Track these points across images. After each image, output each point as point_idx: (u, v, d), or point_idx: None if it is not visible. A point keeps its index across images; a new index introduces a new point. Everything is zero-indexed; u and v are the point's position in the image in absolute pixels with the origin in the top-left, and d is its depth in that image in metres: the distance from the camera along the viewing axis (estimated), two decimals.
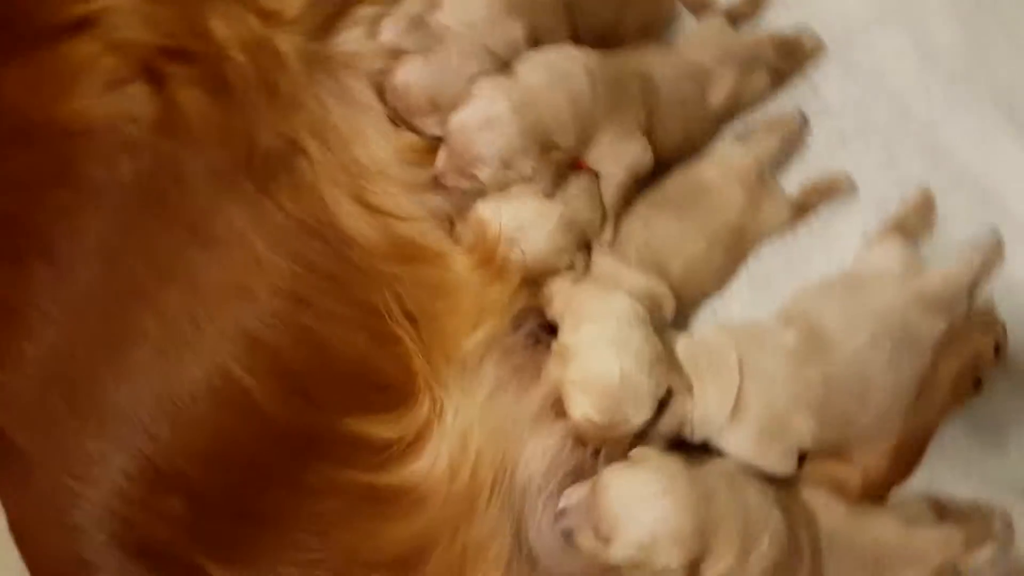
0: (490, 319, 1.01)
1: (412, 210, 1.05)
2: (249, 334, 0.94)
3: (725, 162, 1.14)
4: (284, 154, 1.00)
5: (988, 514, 1.03)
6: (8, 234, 0.96)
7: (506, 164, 1.01)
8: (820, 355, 1.03)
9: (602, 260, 1.08)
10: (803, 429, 1.02)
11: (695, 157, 1.14)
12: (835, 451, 1.05)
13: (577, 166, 1.08)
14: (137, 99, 0.98)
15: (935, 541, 0.99)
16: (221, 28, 1.03)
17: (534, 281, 1.05)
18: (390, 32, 1.06)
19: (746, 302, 1.16)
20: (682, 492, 0.91)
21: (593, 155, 1.06)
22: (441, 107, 1.04)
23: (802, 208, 1.16)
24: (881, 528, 1.02)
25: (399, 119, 1.06)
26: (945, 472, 1.07)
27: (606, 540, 0.91)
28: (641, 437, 0.98)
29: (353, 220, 1.02)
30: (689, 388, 1.01)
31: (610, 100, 1.04)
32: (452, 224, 1.05)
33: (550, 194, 1.05)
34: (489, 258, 1.02)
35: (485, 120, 1.00)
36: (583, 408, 0.97)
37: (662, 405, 0.98)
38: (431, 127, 1.05)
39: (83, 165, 0.96)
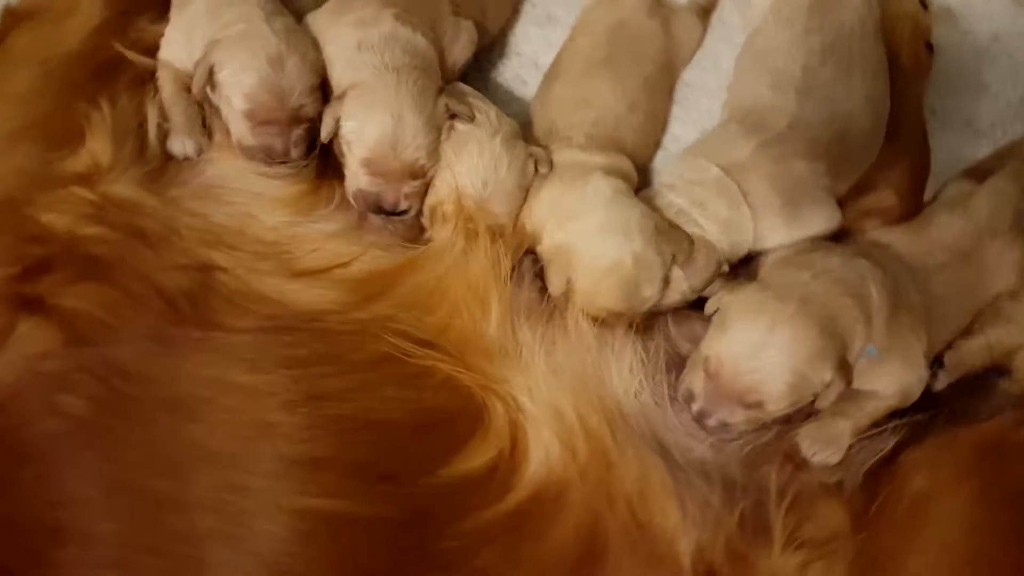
0: (492, 292, 0.94)
1: (350, 249, 0.97)
2: (295, 459, 0.85)
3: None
4: (197, 282, 0.91)
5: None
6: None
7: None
8: (786, 115, 0.99)
9: (560, 156, 1.02)
10: (815, 178, 0.98)
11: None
12: (860, 189, 1.03)
13: None
14: (33, 335, 0.86)
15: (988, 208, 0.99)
16: (56, 219, 0.92)
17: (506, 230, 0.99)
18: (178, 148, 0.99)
19: (684, 121, 1.13)
20: (786, 314, 0.86)
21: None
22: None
23: (706, 9, 1.14)
24: (947, 226, 1.01)
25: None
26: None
27: (758, 405, 0.86)
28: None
29: (304, 294, 0.93)
30: (690, 242, 0.96)
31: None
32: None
33: None
34: (463, 230, 0.95)
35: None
36: (602, 303, 0.93)
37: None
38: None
39: (29, 429, 0.84)
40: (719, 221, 0.97)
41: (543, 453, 0.90)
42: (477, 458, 0.89)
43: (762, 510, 0.90)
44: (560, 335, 0.94)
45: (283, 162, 0.98)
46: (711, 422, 0.90)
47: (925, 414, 0.94)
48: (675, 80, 1.13)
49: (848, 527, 0.89)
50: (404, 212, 1.00)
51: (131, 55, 0.98)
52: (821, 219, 0.98)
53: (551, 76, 1.11)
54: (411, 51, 1.00)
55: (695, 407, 0.90)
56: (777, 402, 0.87)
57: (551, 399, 0.91)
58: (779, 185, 0.96)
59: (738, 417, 0.90)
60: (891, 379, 0.93)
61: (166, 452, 0.84)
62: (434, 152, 0.98)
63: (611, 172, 0.98)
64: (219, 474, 0.84)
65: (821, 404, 0.89)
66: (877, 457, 0.92)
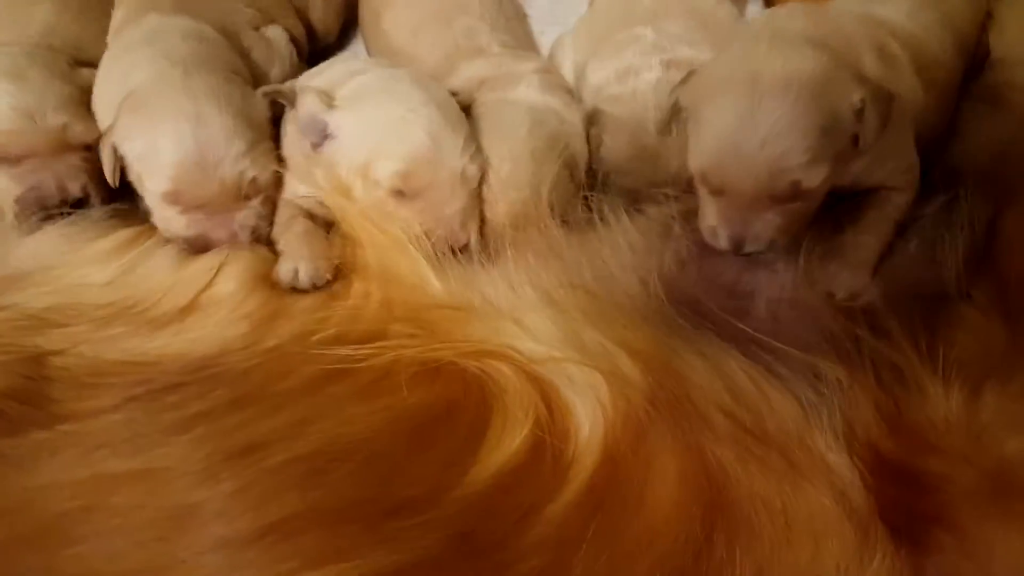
0: (410, 252, 0.72)
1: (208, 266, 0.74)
2: (246, 537, 0.56)
3: None
4: (24, 376, 0.66)
5: None
6: None
7: None
8: None
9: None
10: None
11: None
12: None
13: None
14: None
15: None
16: None
17: None
18: None
19: None
20: (761, 52, 0.66)
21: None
22: None
23: None
24: None
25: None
26: None
27: (794, 189, 0.65)
28: None
29: (176, 343, 0.70)
30: None
31: None
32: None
33: None
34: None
35: None
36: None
37: None
38: None
39: None
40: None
41: (589, 398, 0.63)
42: (507, 442, 0.62)
43: (890, 359, 0.66)
44: (534, 258, 0.69)
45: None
46: (751, 246, 0.68)
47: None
48: None
49: (999, 331, 0.66)
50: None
51: None
52: None
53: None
54: (196, 38, 0.79)
55: (723, 240, 0.68)
56: (813, 167, 0.65)
57: (562, 330, 0.66)
58: None
59: (777, 223, 0.67)
60: (894, 167, 0.74)
61: None
62: (263, 157, 0.75)
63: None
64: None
65: (865, 141, 0.67)
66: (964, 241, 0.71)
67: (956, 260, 0.73)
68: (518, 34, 0.94)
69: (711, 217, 0.69)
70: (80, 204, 0.80)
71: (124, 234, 0.77)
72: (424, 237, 0.71)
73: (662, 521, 0.59)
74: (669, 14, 0.86)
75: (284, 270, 0.74)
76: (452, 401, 0.64)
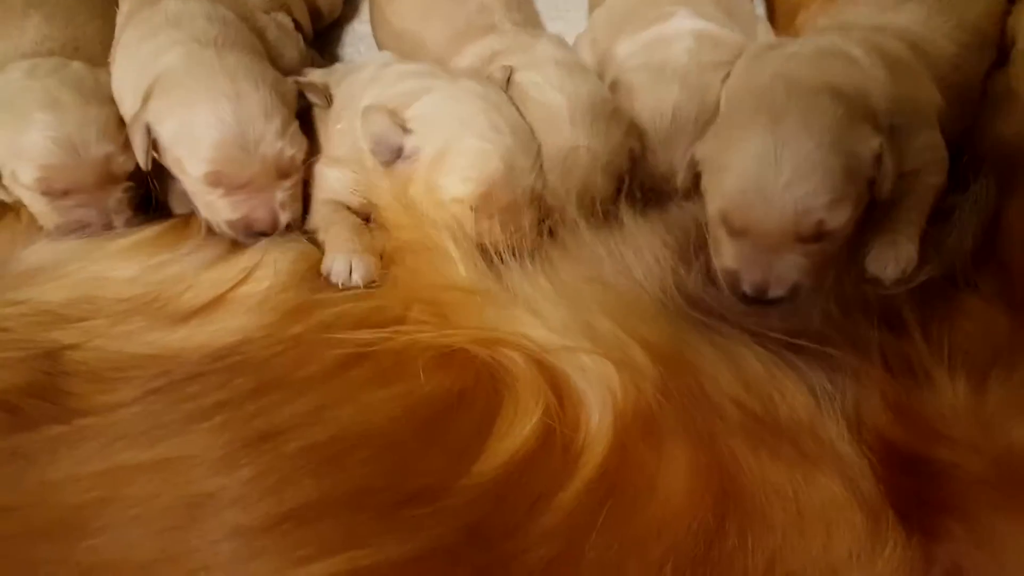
0: (444, 237, 0.72)
1: (238, 267, 0.75)
2: (263, 524, 0.57)
3: None
4: (41, 371, 0.66)
5: None
6: None
7: None
8: None
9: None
10: None
11: None
12: None
13: None
14: None
15: None
16: None
17: None
18: None
19: None
20: (779, 99, 0.68)
21: None
22: None
23: None
24: None
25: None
26: None
27: (818, 229, 0.66)
28: None
29: (198, 335, 0.70)
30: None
31: None
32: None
33: None
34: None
35: None
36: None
37: None
38: None
39: None
40: None
41: (599, 387, 0.64)
42: (518, 430, 0.62)
43: (898, 348, 0.66)
44: (556, 252, 0.70)
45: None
46: (775, 292, 0.68)
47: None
48: None
49: (1003, 320, 0.67)
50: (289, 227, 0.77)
51: None
52: None
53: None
54: (221, 21, 0.79)
55: (746, 285, 0.68)
56: (836, 207, 0.66)
57: (577, 320, 0.66)
58: None
59: (800, 266, 0.68)
60: (923, 152, 0.75)
61: None
62: (298, 135, 0.76)
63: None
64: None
65: (882, 191, 0.68)
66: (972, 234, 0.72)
67: (963, 251, 0.74)
68: (528, 13, 0.95)
69: (731, 260, 0.69)
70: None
71: (146, 233, 0.78)
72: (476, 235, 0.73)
73: (673, 509, 0.59)
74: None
75: (336, 267, 0.74)
76: (464, 389, 0.64)
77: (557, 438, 0.62)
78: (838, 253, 0.70)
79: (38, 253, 0.75)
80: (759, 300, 0.69)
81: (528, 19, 0.94)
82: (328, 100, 0.82)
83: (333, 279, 0.74)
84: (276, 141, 0.73)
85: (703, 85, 0.80)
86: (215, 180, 0.74)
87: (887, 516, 0.59)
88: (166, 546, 0.55)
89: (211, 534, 0.56)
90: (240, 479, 0.58)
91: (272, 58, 0.85)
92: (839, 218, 0.66)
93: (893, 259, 0.72)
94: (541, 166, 0.75)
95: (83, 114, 0.75)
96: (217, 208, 0.76)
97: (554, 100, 0.76)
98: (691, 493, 0.60)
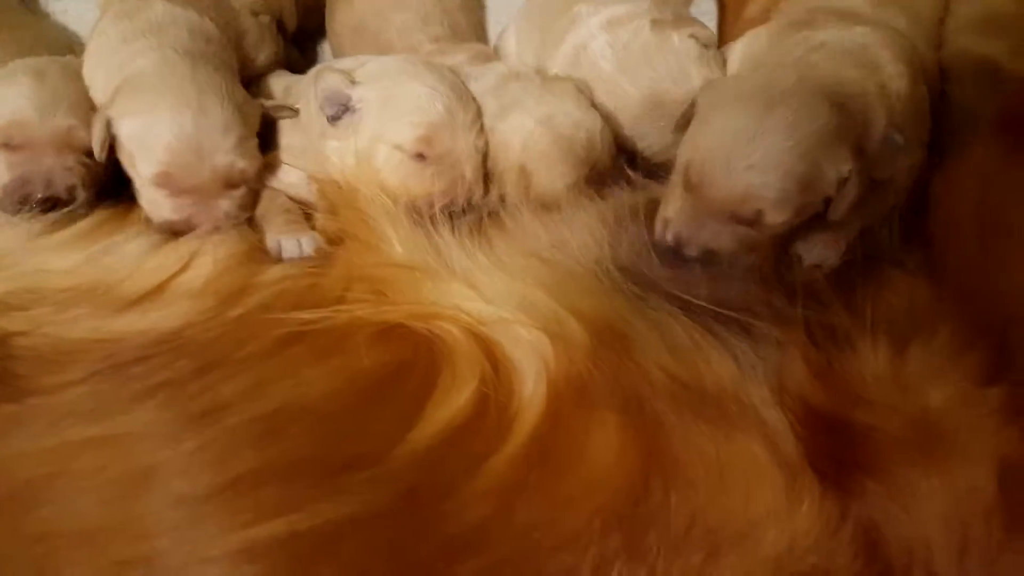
0: (380, 219, 0.75)
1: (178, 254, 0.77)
2: (205, 493, 0.59)
3: None
4: None
5: None
6: None
7: None
8: None
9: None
10: None
11: None
12: None
13: None
14: None
15: None
16: None
17: None
18: None
19: None
20: (783, 89, 0.70)
21: None
22: None
23: None
24: None
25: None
26: None
27: (754, 218, 0.70)
28: None
29: (141, 321, 0.71)
30: None
31: None
32: None
33: None
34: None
35: None
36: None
37: None
38: None
39: None
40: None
41: (533, 357, 0.67)
42: (454, 399, 0.65)
43: (822, 320, 0.69)
44: (494, 230, 0.73)
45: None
46: (690, 250, 0.71)
47: None
48: None
49: (925, 291, 0.70)
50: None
51: None
52: None
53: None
54: (203, 38, 0.82)
55: (670, 233, 0.71)
56: (780, 207, 0.69)
57: (513, 293, 0.69)
58: None
59: (725, 240, 0.71)
60: (906, 171, 0.77)
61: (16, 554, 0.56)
62: (253, 151, 0.79)
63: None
64: (102, 555, 0.55)
65: (835, 213, 0.71)
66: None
67: (890, 227, 0.77)
68: (459, 26, 0.96)
69: (672, 211, 0.72)
70: (63, 206, 0.80)
71: (87, 223, 0.79)
72: (422, 203, 0.76)
73: (602, 471, 0.62)
74: None
75: (286, 244, 0.78)
76: (403, 362, 0.67)
77: (492, 405, 0.64)
78: (767, 242, 0.73)
79: None
80: (676, 256, 0.72)
81: (460, 32, 0.96)
82: (295, 112, 0.85)
83: (285, 256, 0.77)
84: (228, 154, 0.76)
85: (639, 67, 0.83)
86: (164, 181, 0.76)
87: (806, 475, 0.62)
88: (113, 515, 0.58)
89: (156, 503, 0.58)
90: (184, 452, 0.60)
91: (244, 62, 0.88)
92: (778, 217, 0.70)
93: (818, 254, 0.75)
94: (482, 126, 0.78)
95: (64, 88, 0.79)
96: (160, 206, 0.78)
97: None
98: (619, 455, 0.63)
